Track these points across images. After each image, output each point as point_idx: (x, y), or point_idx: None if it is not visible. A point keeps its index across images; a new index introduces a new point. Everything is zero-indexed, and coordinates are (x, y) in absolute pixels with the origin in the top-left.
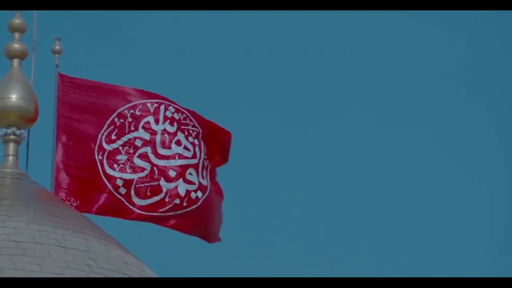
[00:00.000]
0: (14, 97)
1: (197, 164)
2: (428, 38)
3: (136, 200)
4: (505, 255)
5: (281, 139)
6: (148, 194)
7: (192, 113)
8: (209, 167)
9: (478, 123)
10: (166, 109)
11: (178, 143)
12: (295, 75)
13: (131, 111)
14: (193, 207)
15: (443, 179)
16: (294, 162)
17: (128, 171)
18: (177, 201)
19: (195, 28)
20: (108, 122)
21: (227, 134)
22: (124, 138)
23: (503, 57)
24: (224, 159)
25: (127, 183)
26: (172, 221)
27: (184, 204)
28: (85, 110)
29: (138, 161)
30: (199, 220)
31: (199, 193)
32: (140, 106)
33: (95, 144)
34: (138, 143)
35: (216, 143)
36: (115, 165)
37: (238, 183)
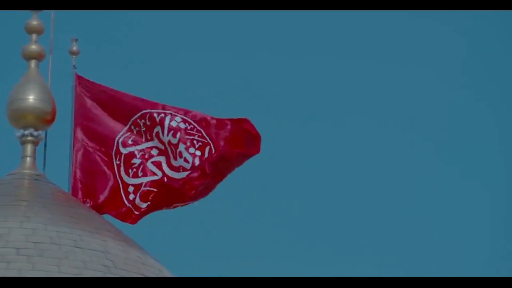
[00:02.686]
0: (31, 98)
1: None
2: (428, 38)
3: (138, 203)
4: (505, 255)
5: (279, 139)
6: (150, 198)
7: (199, 121)
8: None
9: (479, 124)
10: (171, 119)
11: (180, 154)
12: (294, 75)
13: (142, 120)
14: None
15: (443, 180)
16: (293, 162)
17: (140, 174)
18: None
19: (205, 28)
20: (126, 128)
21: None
22: (142, 146)
23: (504, 58)
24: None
25: (137, 188)
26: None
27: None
28: (101, 113)
29: (151, 166)
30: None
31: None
32: (148, 115)
33: (112, 148)
34: (154, 152)
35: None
36: (130, 170)
37: (239, 183)
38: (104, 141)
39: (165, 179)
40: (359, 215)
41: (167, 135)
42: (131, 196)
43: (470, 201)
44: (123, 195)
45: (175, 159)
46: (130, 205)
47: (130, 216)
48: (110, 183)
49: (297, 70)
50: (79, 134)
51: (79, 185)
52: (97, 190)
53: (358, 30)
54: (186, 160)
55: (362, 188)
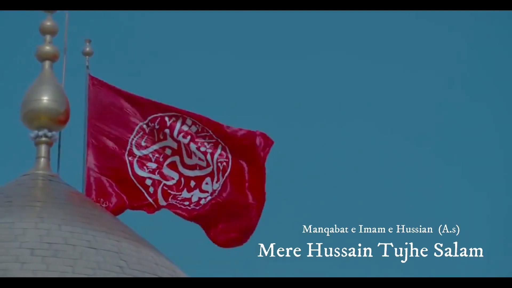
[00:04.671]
0: (45, 99)
1: (212, 171)
2: (428, 38)
3: (160, 199)
4: (505, 257)
5: (279, 140)
6: (169, 199)
7: (210, 125)
8: (228, 169)
9: (478, 125)
10: (183, 123)
11: (194, 154)
12: (293, 75)
13: (153, 123)
14: (198, 207)
15: (443, 182)
16: (292, 164)
17: (157, 176)
18: (186, 203)
19: (221, 29)
20: (137, 128)
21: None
22: (155, 146)
23: (504, 58)
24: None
25: (155, 183)
26: (179, 212)
27: (191, 206)
28: (115, 113)
29: (167, 170)
30: (203, 218)
31: (209, 197)
32: (159, 119)
33: (125, 148)
34: (168, 152)
35: (245, 150)
36: (145, 167)
37: None
38: (117, 141)
39: (182, 180)
40: (359, 216)
41: (177, 136)
42: (151, 189)
43: (470, 201)
44: (141, 189)
45: (189, 157)
46: (150, 198)
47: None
48: (128, 182)
49: (296, 70)
50: (93, 135)
51: (97, 189)
52: (115, 192)
53: (358, 30)
54: (200, 159)
55: (362, 189)
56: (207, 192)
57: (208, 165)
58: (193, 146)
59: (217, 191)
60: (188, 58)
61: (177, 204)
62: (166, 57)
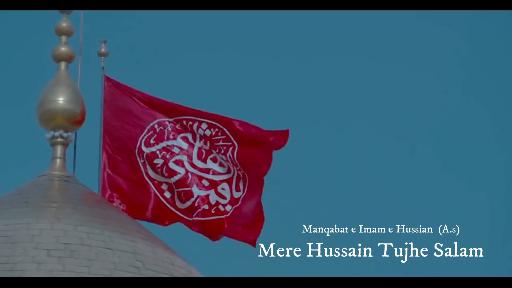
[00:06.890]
0: (61, 100)
1: (231, 178)
2: (428, 38)
3: (178, 203)
4: (505, 257)
5: None
6: (183, 198)
7: (229, 124)
8: (246, 176)
9: (478, 125)
10: (198, 127)
11: (214, 159)
12: (293, 75)
13: (171, 124)
14: (221, 216)
15: (443, 182)
16: (292, 164)
17: (165, 174)
18: (206, 206)
19: (229, 30)
20: (148, 127)
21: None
22: (163, 144)
23: (504, 58)
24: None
25: (171, 187)
26: (198, 228)
27: (212, 211)
28: (129, 114)
29: (172, 165)
30: (225, 228)
31: (228, 207)
32: (178, 124)
33: (135, 147)
34: (176, 150)
35: (260, 149)
36: (158, 169)
37: None
38: (130, 141)
39: (189, 175)
40: (359, 216)
41: (199, 141)
42: (167, 194)
43: (470, 201)
44: (155, 191)
45: (202, 160)
46: (168, 204)
47: (175, 217)
48: (143, 184)
49: (296, 70)
50: (108, 135)
51: (113, 190)
52: (132, 194)
53: (358, 30)
54: (221, 165)
55: (362, 189)
56: (225, 198)
57: (228, 172)
58: (214, 152)
59: (240, 200)
60: (199, 57)
61: (194, 218)
62: (177, 57)
